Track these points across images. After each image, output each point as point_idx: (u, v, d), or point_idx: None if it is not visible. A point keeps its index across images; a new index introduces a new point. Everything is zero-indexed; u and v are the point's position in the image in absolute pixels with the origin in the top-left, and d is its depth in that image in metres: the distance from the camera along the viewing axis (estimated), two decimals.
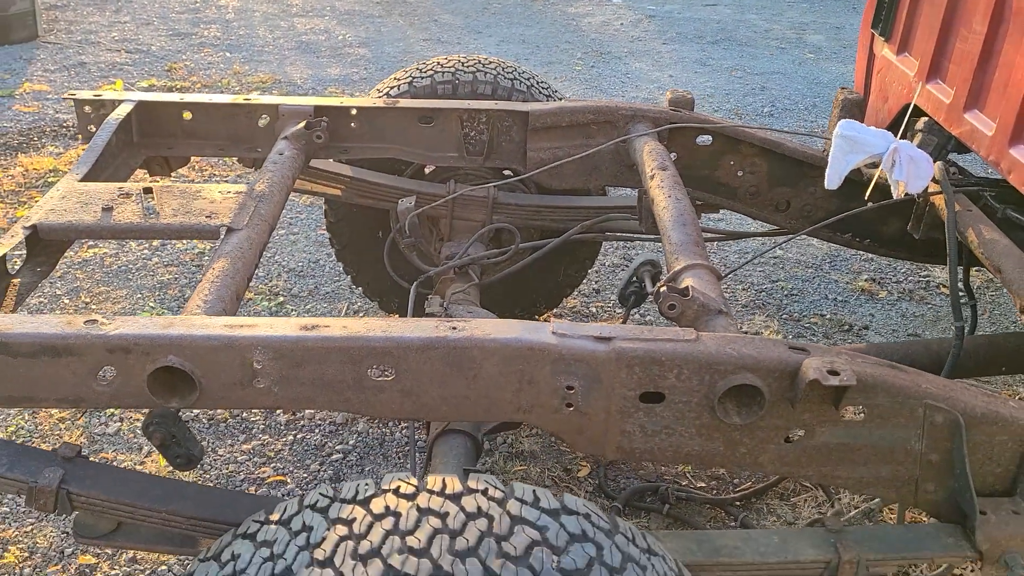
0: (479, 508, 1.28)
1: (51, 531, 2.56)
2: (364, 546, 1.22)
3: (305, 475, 2.81)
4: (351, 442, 2.95)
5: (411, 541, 1.22)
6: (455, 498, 1.30)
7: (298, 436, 2.98)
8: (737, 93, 6.73)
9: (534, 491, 1.35)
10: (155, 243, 4.13)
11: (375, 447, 2.94)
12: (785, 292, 3.96)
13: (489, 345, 1.59)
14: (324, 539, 1.25)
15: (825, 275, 4.11)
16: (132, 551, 2.50)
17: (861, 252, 4.24)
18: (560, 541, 1.26)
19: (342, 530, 1.26)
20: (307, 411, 3.09)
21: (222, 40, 7.64)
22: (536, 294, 3.40)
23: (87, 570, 2.45)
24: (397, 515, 1.27)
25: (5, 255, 1.97)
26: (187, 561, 2.48)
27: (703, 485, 2.82)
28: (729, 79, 7.12)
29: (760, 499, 2.76)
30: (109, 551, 2.51)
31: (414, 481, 1.33)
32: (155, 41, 7.50)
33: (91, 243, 4.05)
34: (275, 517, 1.35)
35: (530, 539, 1.24)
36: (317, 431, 3.00)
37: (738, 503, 2.74)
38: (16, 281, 2.01)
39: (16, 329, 1.57)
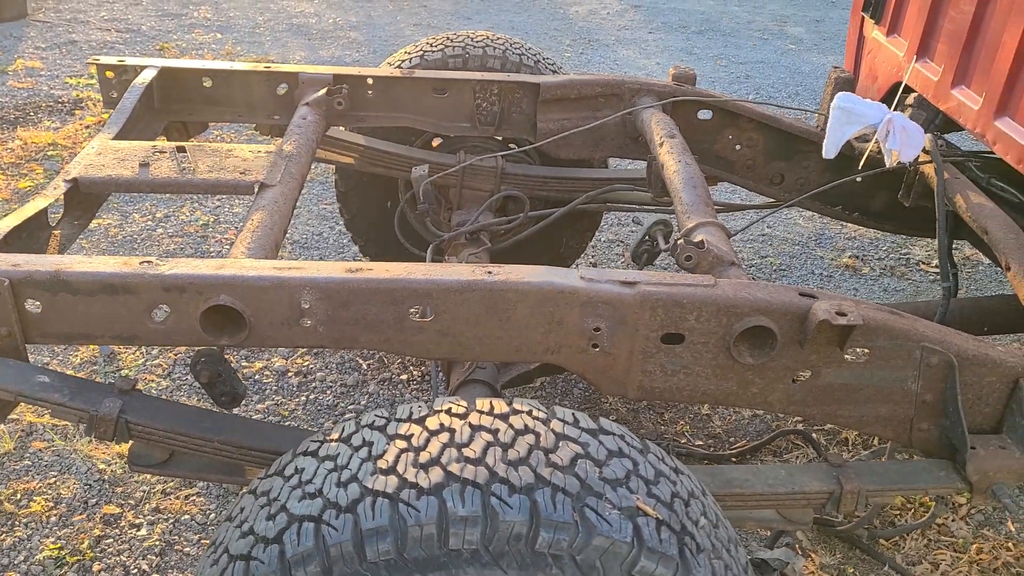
0: (526, 426, 1.40)
1: (74, 483, 2.64)
2: (424, 456, 1.33)
3: None
4: (363, 403, 3.06)
5: (467, 452, 1.33)
6: (503, 417, 1.41)
7: (311, 397, 3.08)
8: (722, 81, 6.88)
9: (573, 413, 1.47)
10: (159, 215, 4.19)
11: (386, 408, 3.04)
12: (773, 268, 4.11)
13: (523, 288, 1.71)
14: (385, 452, 1.36)
15: (811, 252, 4.27)
16: (156, 502, 2.59)
17: (845, 231, 4.42)
18: (601, 455, 1.38)
19: (401, 444, 1.37)
20: (318, 373, 3.19)
21: (213, 21, 7.66)
22: (538, 264, 3.51)
23: (112, 519, 2.54)
24: (452, 431, 1.38)
25: (47, 207, 2.05)
26: (209, 511, 2.58)
27: (700, 443, 2.96)
28: (714, 68, 7.28)
29: (754, 456, 2.91)
30: (132, 501, 2.59)
31: (464, 403, 1.45)
32: (145, 21, 7.50)
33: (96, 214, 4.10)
34: (334, 436, 1.45)
35: (574, 452, 1.36)
36: (329, 392, 3.10)
37: (734, 459, 2.88)
38: (57, 232, 2.09)
39: (77, 268, 1.66)
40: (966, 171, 2.58)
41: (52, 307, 1.67)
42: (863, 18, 3.22)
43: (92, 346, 3.22)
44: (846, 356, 1.78)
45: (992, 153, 2.40)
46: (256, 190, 2.12)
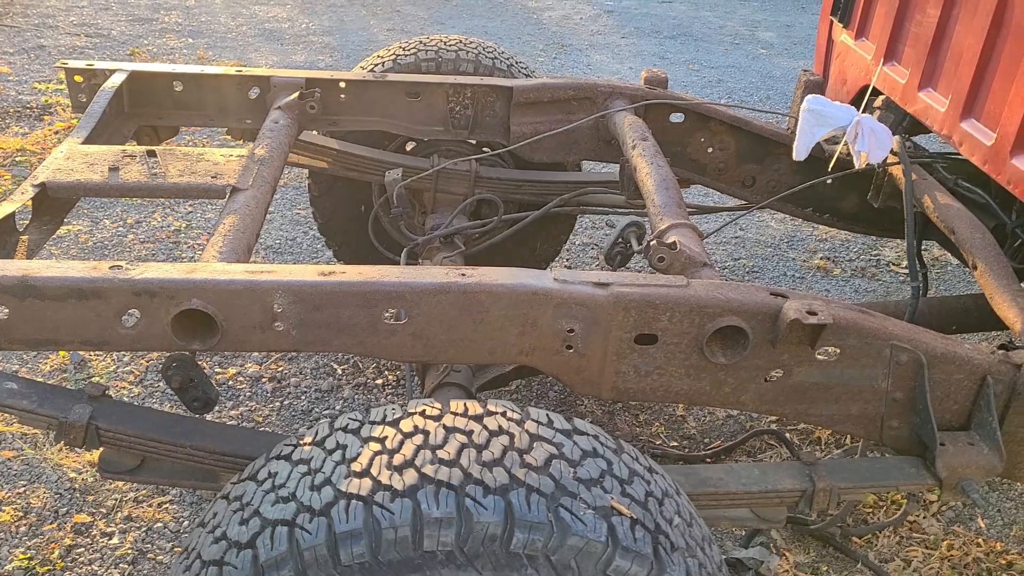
0: (500, 427, 1.40)
1: (44, 492, 2.60)
2: (398, 459, 1.33)
3: None
4: (338, 408, 3.04)
5: (441, 454, 1.33)
6: (477, 419, 1.41)
7: (285, 403, 3.06)
8: (695, 85, 6.94)
9: (547, 414, 1.47)
10: (130, 220, 4.14)
11: (360, 411, 3.03)
12: (747, 269, 4.15)
13: (496, 290, 1.71)
14: (359, 454, 1.35)
15: (783, 254, 4.31)
16: (128, 510, 2.56)
17: (817, 233, 4.47)
18: (575, 456, 1.39)
19: (375, 447, 1.36)
20: (292, 379, 3.17)
21: (184, 26, 7.59)
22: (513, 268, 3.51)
23: (83, 528, 2.50)
24: (426, 433, 1.38)
25: (14, 212, 2.02)
26: (182, 519, 2.55)
27: (675, 444, 2.98)
28: (687, 72, 7.34)
29: (729, 456, 2.93)
30: (104, 510, 2.56)
31: (438, 405, 1.44)
32: (115, 26, 7.42)
33: (65, 220, 4.04)
34: (307, 440, 1.44)
35: (549, 453, 1.37)
36: (304, 397, 3.08)
37: (708, 459, 2.90)
38: (24, 238, 2.06)
39: (45, 273, 1.63)
40: (934, 172, 2.62)
41: (20, 312, 1.64)
42: (832, 22, 3.26)
43: (62, 353, 3.17)
44: (817, 355, 1.80)
45: (959, 154, 2.44)
46: (228, 194, 2.10)
